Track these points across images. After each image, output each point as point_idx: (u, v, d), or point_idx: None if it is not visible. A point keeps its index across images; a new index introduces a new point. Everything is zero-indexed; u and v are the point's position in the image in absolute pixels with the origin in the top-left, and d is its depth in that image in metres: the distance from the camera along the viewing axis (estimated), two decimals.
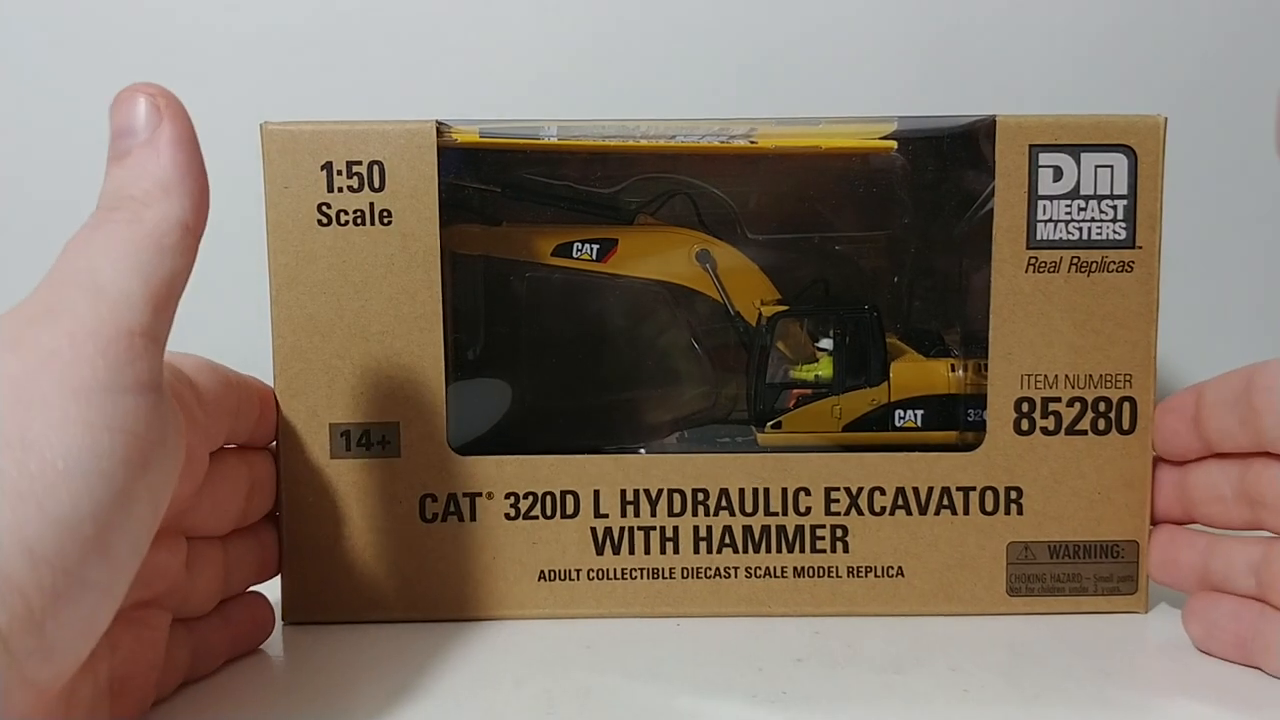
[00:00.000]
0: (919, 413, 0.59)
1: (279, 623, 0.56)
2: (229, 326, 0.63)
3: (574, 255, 0.61)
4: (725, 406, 0.65)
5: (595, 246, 0.61)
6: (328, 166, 0.53)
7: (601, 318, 0.64)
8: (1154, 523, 0.56)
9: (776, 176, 0.64)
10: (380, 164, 0.53)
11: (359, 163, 0.53)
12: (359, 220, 0.54)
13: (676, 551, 0.56)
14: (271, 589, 0.55)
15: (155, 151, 0.39)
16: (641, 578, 0.56)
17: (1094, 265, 0.54)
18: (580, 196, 0.62)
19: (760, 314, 0.61)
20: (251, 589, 0.54)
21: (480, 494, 0.56)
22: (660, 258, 0.62)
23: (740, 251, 0.62)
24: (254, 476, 0.51)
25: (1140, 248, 0.54)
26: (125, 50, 0.76)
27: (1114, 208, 0.54)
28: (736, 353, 0.64)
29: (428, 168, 0.53)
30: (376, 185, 0.53)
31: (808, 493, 0.56)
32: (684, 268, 0.62)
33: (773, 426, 0.60)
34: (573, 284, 0.62)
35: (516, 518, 0.56)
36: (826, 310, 0.62)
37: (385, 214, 0.54)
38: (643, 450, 0.62)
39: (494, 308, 0.63)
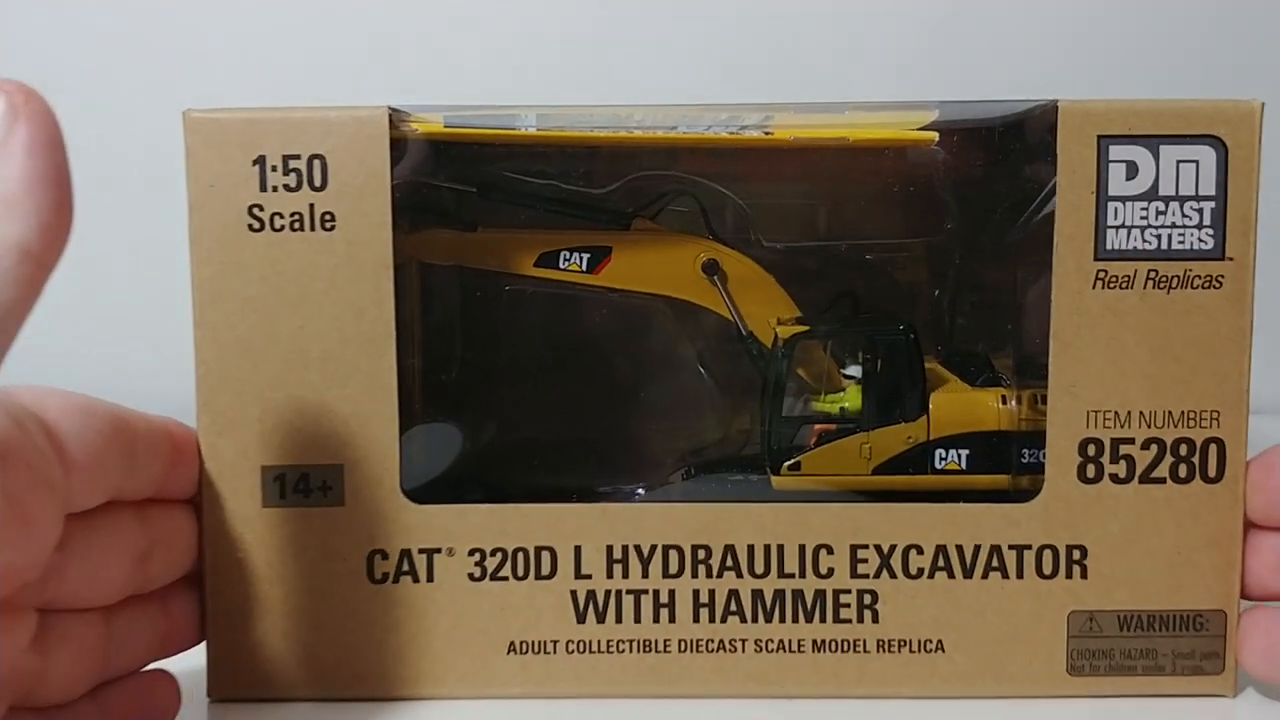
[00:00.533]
0: (963, 453, 0.52)
1: (204, 701, 0.49)
2: (158, 353, 0.55)
3: (561, 266, 0.54)
4: (738, 441, 0.58)
5: (585, 256, 0.54)
6: (260, 161, 0.46)
7: (593, 338, 0.57)
8: (1245, 596, 0.48)
9: (797, 173, 0.57)
10: (322, 158, 0.46)
11: (297, 157, 0.46)
12: (296, 225, 0.46)
13: (673, 620, 0.49)
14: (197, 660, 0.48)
15: (3, 159, 0.33)
16: (631, 651, 0.49)
17: (1175, 280, 0.47)
18: (568, 198, 0.55)
19: (776, 334, 0.53)
20: (154, 666, 0.46)
21: (439, 550, 0.48)
22: (660, 269, 0.55)
23: (754, 261, 0.55)
24: (153, 537, 0.44)
25: (1231, 259, 0.47)
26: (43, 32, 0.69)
27: (1199, 211, 0.47)
28: (750, 379, 0.56)
29: (378, 163, 0.46)
30: (317, 184, 0.46)
31: (830, 550, 0.48)
32: (688, 280, 0.55)
33: (790, 468, 0.52)
34: (560, 299, 0.55)
35: (482, 579, 0.48)
36: (854, 330, 0.54)
37: (328, 217, 0.46)
38: (642, 491, 0.55)
39: (469, 326, 0.56)
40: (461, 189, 0.54)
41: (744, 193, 0.56)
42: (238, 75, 0.69)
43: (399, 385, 0.48)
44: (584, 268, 0.54)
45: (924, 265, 0.57)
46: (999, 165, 0.53)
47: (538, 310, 0.56)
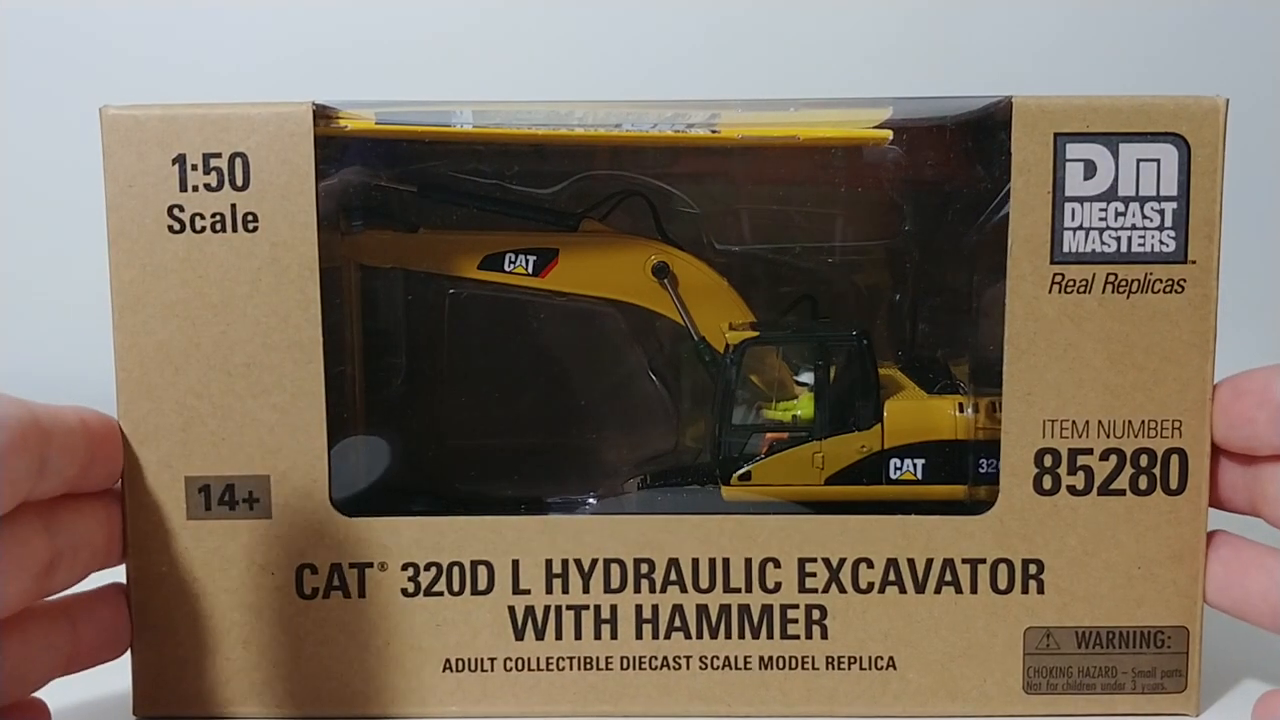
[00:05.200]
0: (919, 462, 0.50)
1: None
2: (80, 359, 0.53)
3: (506, 268, 0.52)
4: (691, 450, 0.56)
5: (532, 258, 0.52)
6: (180, 160, 0.44)
7: (539, 343, 0.55)
8: (1215, 503, 0.47)
9: (749, 173, 0.55)
10: (244, 156, 0.44)
11: (218, 155, 0.44)
12: (218, 226, 0.45)
13: (614, 636, 0.47)
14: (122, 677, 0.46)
15: None
16: (571, 669, 0.47)
17: (1135, 284, 0.45)
18: (513, 198, 0.54)
19: (726, 340, 0.51)
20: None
21: (371, 564, 0.46)
22: (609, 272, 0.53)
23: (706, 265, 0.53)
24: (60, 546, 0.42)
25: (1193, 262, 0.45)
26: None
27: (1160, 212, 0.45)
28: (703, 385, 0.55)
29: (303, 161, 0.44)
30: (239, 183, 0.44)
31: (777, 564, 0.47)
32: (638, 284, 0.53)
33: (740, 478, 0.50)
34: (504, 302, 0.54)
35: (416, 594, 0.46)
36: (806, 336, 0.52)
37: (250, 218, 0.45)
38: (593, 500, 0.53)
39: (411, 331, 0.55)
40: (401, 188, 0.52)
41: (696, 193, 0.54)
42: (162, 72, 0.67)
43: (336, 394, 0.46)
44: (530, 270, 0.52)
45: (884, 269, 0.56)
46: (955, 165, 0.51)
47: (483, 314, 0.54)
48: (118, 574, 0.46)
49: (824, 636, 0.47)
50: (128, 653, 0.47)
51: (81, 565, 0.44)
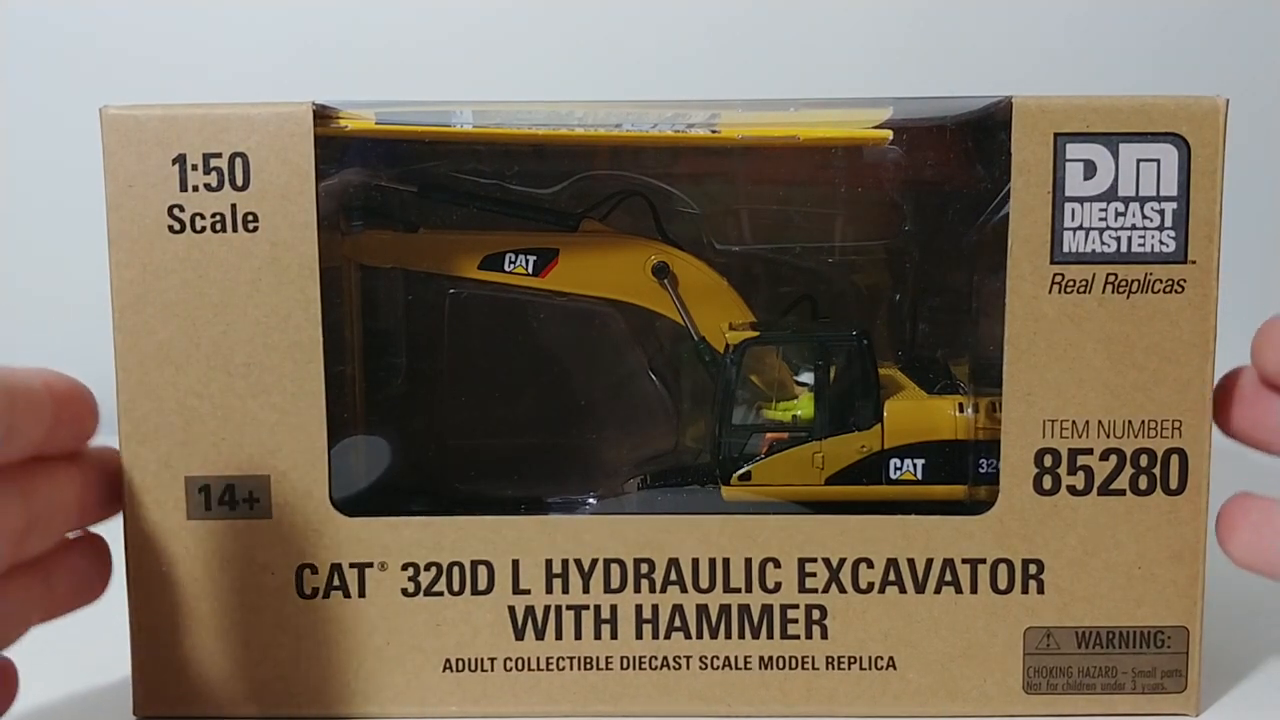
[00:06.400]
0: (919, 462, 0.50)
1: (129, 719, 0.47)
2: (80, 359, 0.53)
3: (506, 268, 0.52)
4: (691, 450, 0.56)
5: (532, 258, 0.52)
6: (180, 160, 0.44)
7: (539, 343, 0.55)
8: (1225, 431, 0.46)
9: (749, 173, 0.55)
10: (244, 156, 0.44)
11: (218, 155, 0.44)
12: (218, 226, 0.44)
13: (614, 636, 0.47)
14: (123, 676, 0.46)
15: None
16: (571, 669, 0.47)
17: (1135, 284, 0.45)
18: (513, 198, 0.53)
19: (726, 340, 0.51)
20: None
21: (371, 564, 0.46)
22: (609, 272, 0.53)
23: (706, 265, 0.53)
24: (33, 511, 0.41)
25: (1193, 263, 0.45)
26: None
27: (1160, 213, 0.45)
28: (703, 385, 0.54)
29: (303, 161, 0.44)
30: (240, 183, 0.44)
31: (777, 564, 0.47)
32: (638, 284, 0.53)
33: (740, 478, 0.50)
34: (505, 302, 0.53)
35: (416, 594, 0.46)
36: (806, 336, 0.52)
37: (250, 218, 0.44)
38: (594, 500, 0.53)
39: (412, 331, 0.54)
40: (401, 188, 0.52)
41: (696, 194, 0.54)
42: (162, 72, 0.67)
43: (337, 393, 0.46)
44: (530, 270, 0.52)
45: (885, 269, 0.55)
46: (955, 165, 0.51)
47: (483, 314, 0.54)
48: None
49: (824, 636, 0.47)
50: (126, 651, 0.46)
51: (55, 529, 0.44)
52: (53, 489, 0.43)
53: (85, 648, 0.48)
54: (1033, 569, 0.46)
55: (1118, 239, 0.45)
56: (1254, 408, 0.45)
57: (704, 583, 0.47)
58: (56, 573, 0.44)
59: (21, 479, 0.41)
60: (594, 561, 0.46)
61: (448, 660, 0.47)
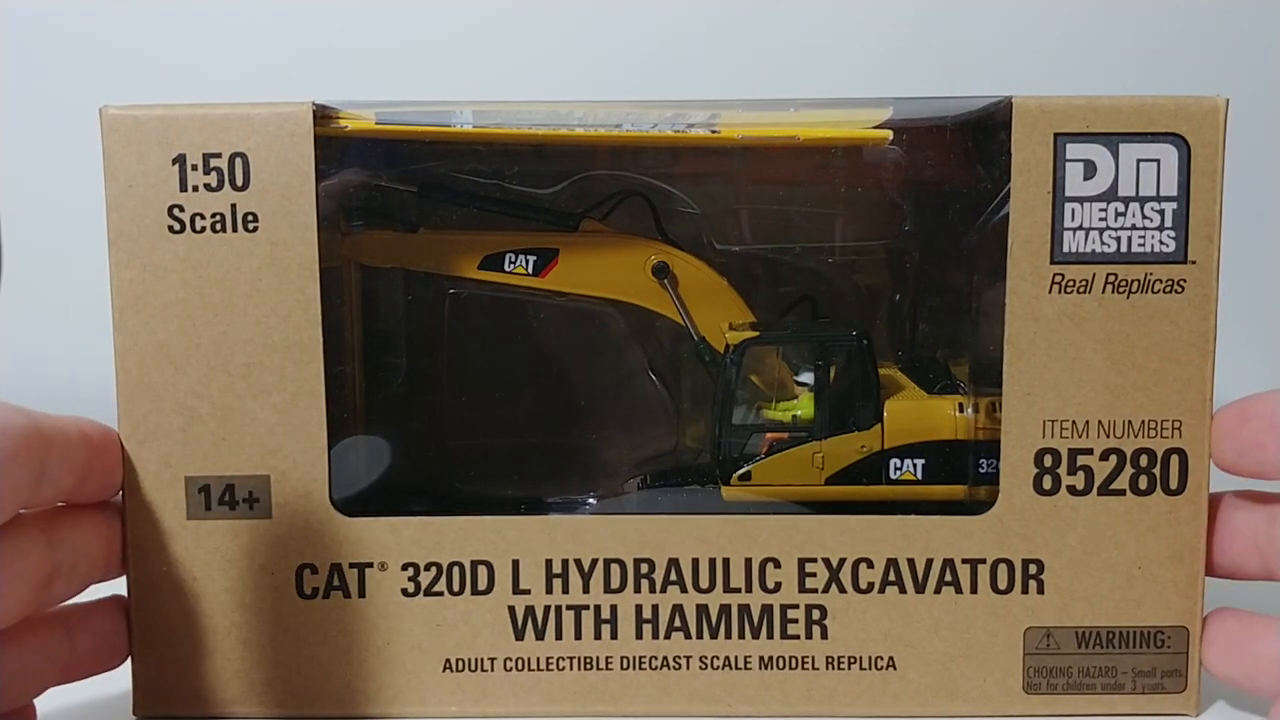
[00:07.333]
0: (919, 463, 0.50)
1: None
2: (80, 359, 0.53)
3: (506, 269, 0.52)
4: (691, 450, 0.56)
5: (532, 258, 0.52)
6: (180, 160, 0.44)
7: (539, 343, 0.55)
8: (1211, 573, 0.46)
9: (749, 173, 0.55)
10: (244, 156, 0.44)
11: (218, 155, 0.44)
12: (218, 226, 0.44)
13: (614, 636, 0.47)
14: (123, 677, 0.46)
15: None
16: (571, 669, 0.47)
17: (1135, 284, 0.45)
18: (513, 198, 0.53)
19: (726, 340, 0.51)
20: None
21: (371, 564, 0.46)
22: (609, 272, 0.53)
23: (706, 265, 0.53)
24: (57, 559, 0.42)
25: (1193, 263, 0.45)
26: None
27: (1160, 213, 0.45)
28: (703, 385, 0.54)
29: (303, 161, 0.44)
30: (240, 183, 0.44)
31: (777, 564, 0.47)
32: (638, 284, 0.53)
33: (740, 478, 0.50)
34: (504, 302, 0.53)
35: (416, 594, 0.46)
36: (806, 336, 0.52)
37: (250, 218, 0.44)
38: (594, 500, 0.53)
39: (412, 331, 0.55)
40: (401, 188, 0.52)
41: (696, 194, 0.54)
42: (162, 72, 0.67)
43: (336, 393, 0.46)
44: (530, 270, 0.52)
45: (885, 269, 0.55)
46: (955, 165, 0.51)
47: (483, 314, 0.54)
48: (116, 586, 0.46)
49: (824, 636, 0.47)
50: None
51: (80, 578, 0.44)
52: (79, 538, 0.43)
53: None
54: (1033, 569, 0.46)
55: (1118, 239, 0.45)
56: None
57: (704, 583, 0.47)
58: (80, 631, 0.44)
59: (49, 525, 0.42)
60: (594, 561, 0.46)
61: (448, 660, 0.47)
